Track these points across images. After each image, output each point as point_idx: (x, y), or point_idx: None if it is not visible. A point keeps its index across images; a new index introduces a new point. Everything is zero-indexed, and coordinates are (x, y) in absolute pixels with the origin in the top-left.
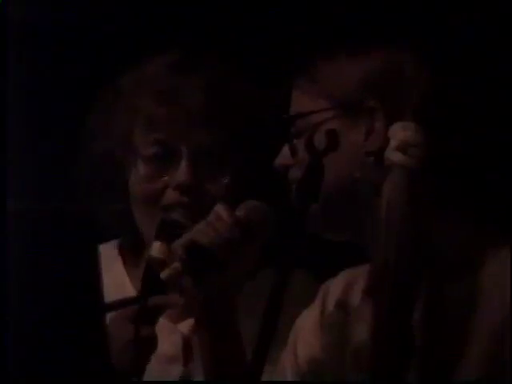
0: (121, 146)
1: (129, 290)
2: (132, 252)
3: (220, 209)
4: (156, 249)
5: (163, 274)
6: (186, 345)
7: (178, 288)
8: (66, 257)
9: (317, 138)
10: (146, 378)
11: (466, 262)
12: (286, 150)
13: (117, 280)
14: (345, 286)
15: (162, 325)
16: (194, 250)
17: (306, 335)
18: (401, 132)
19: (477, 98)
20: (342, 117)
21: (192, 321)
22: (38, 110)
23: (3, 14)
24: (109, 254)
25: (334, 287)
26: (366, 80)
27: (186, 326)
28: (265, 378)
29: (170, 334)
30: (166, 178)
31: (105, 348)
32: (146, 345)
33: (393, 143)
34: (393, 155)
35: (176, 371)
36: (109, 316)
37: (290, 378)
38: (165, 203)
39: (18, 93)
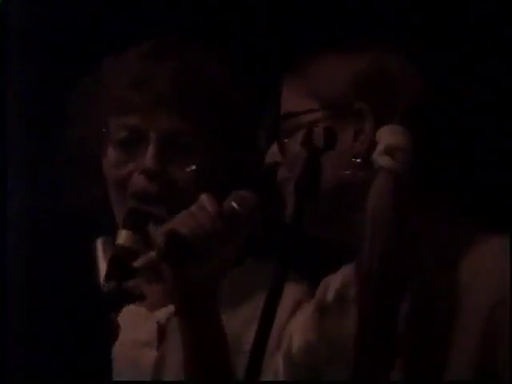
0: (95, 132)
1: None
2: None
3: (204, 199)
4: (123, 237)
5: (137, 263)
6: (161, 331)
7: (152, 277)
8: (65, 256)
9: (315, 136)
10: (121, 362)
11: (446, 259)
12: (274, 148)
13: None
14: (344, 280)
15: (139, 312)
16: (173, 239)
17: (301, 326)
18: (388, 136)
19: (465, 97)
20: (332, 118)
21: (168, 308)
22: (37, 110)
23: (3, 15)
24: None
25: (333, 281)
26: (354, 80)
27: (162, 313)
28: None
29: (146, 321)
30: (133, 163)
31: (104, 345)
32: (109, 334)
33: (380, 147)
34: (380, 159)
35: (150, 355)
36: None
37: (281, 371)
38: (133, 189)
39: (17, 93)
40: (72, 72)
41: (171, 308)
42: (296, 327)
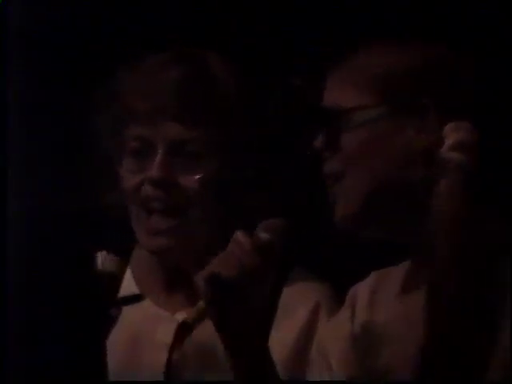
0: (112, 142)
1: (133, 288)
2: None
3: (240, 236)
4: None
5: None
6: (179, 332)
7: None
8: (65, 256)
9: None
10: (142, 365)
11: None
12: (322, 137)
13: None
14: (371, 291)
15: (161, 314)
16: (215, 282)
17: (339, 349)
18: (456, 132)
19: None
20: (393, 113)
21: (189, 310)
22: (37, 109)
23: (3, 15)
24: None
25: (361, 292)
26: (411, 72)
27: (183, 314)
28: None
29: (167, 323)
30: (143, 173)
31: (103, 347)
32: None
33: (448, 143)
34: (449, 155)
35: (166, 357)
36: None
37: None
38: (142, 195)
39: (17, 93)
40: (72, 72)
41: (192, 310)
42: (330, 340)
